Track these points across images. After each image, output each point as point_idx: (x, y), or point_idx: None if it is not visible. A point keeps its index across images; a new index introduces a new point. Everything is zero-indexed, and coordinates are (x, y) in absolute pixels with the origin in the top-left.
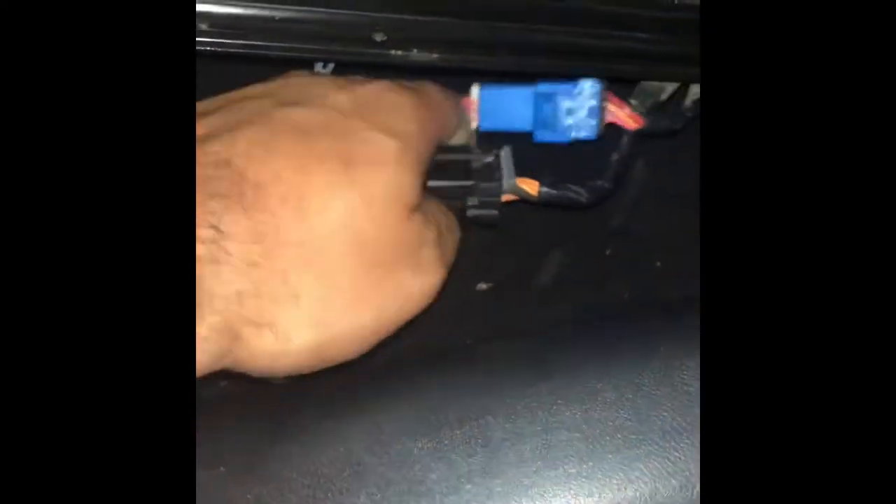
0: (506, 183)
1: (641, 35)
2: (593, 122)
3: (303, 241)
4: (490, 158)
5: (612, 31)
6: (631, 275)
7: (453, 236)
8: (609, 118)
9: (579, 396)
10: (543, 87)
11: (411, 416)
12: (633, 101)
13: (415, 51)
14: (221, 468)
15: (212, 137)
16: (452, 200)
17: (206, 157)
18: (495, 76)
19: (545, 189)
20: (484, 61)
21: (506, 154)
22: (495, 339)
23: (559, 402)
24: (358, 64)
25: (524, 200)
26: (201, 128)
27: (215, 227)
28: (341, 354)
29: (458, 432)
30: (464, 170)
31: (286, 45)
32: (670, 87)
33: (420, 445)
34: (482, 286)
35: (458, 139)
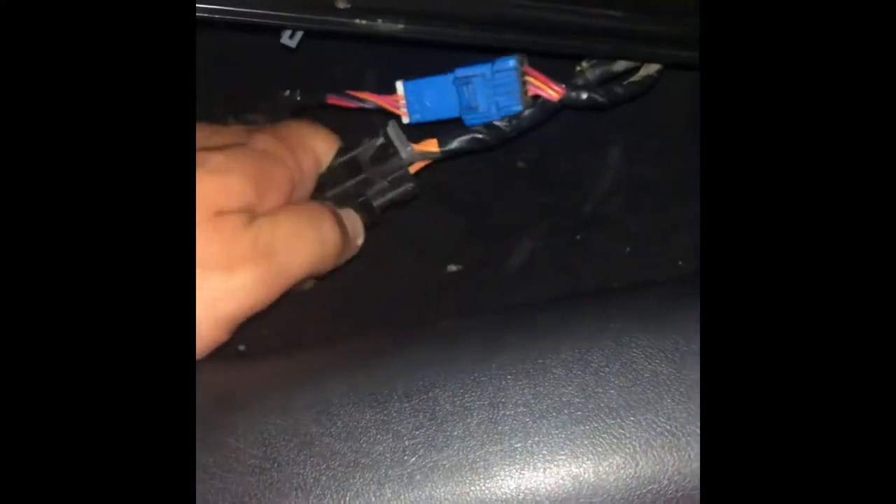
0: (404, 154)
1: (614, 13)
2: (515, 97)
3: None
4: (380, 140)
5: (584, 7)
6: (600, 260)
7: (309, 234)
8: (532, 91)
9: (528, 373)
10: (461, 72)
11: (360, 389)
12: (584, 64)
13: (380, 21)
14: None
15: None
16: (353, 200)
17: None
18: (461, 50)
19: (445, 143)
20: (450, 34)
21: (392, 128)
22: (449, 317)
23: (508, 377)
24: (323, 33)
25: (435, 161)
26: None
27: None
28: None
29: (405, 405)
30: (352, 168)
31: (247, 10)
32: (625, 62)
33: (367, 417)
34: (452, 268)
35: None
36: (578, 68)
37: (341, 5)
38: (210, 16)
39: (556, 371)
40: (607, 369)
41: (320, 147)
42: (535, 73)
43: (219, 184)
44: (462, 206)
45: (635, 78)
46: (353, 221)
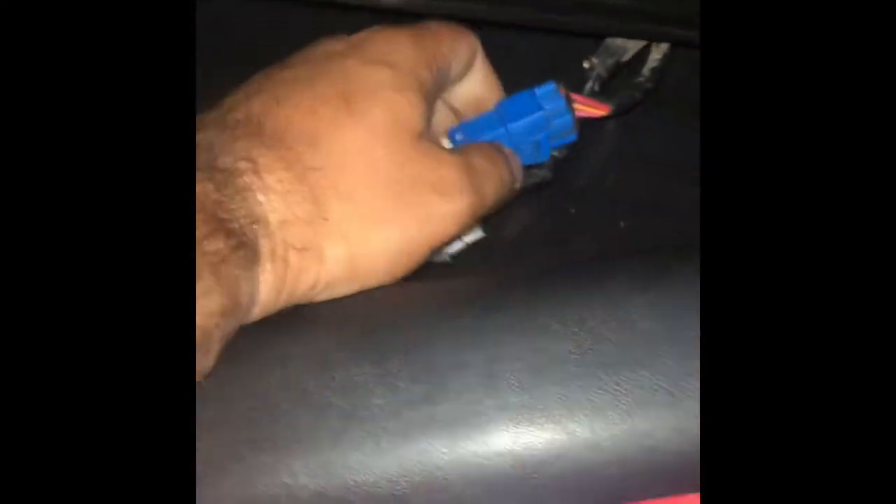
0: None
1: None
2: (569, 129)
3: (323, 166)
4: None
5: None
6: (594, 234)
7: (497, 171)
8: (580, 114)
9: (526, 329)
10: (515, 127)
11: (358, 344)
12: (594, 60)
13: None
14: None
15: (232, 109)
16: None
17: (228, 121)
18: (469, 24)
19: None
20: (450, 6)
21: None
22: (449, 277)
23: (506, 334)
24: (335, 4)
25: None
26: (224, 105)
27: (248, 159)
28: (372, 272)
29: (403, 360)
30: None
31: None
32: (633, 49)
33: (365, 371)
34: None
35: (475, 75)
36: (587, 65)
37: None
38: None
39: (554, 329)
40: (604, 327)
41: (462, 49)
42: (580, 98)
43: (405, 102)
44: None
45: (653, 63)
46: (518, 164)
